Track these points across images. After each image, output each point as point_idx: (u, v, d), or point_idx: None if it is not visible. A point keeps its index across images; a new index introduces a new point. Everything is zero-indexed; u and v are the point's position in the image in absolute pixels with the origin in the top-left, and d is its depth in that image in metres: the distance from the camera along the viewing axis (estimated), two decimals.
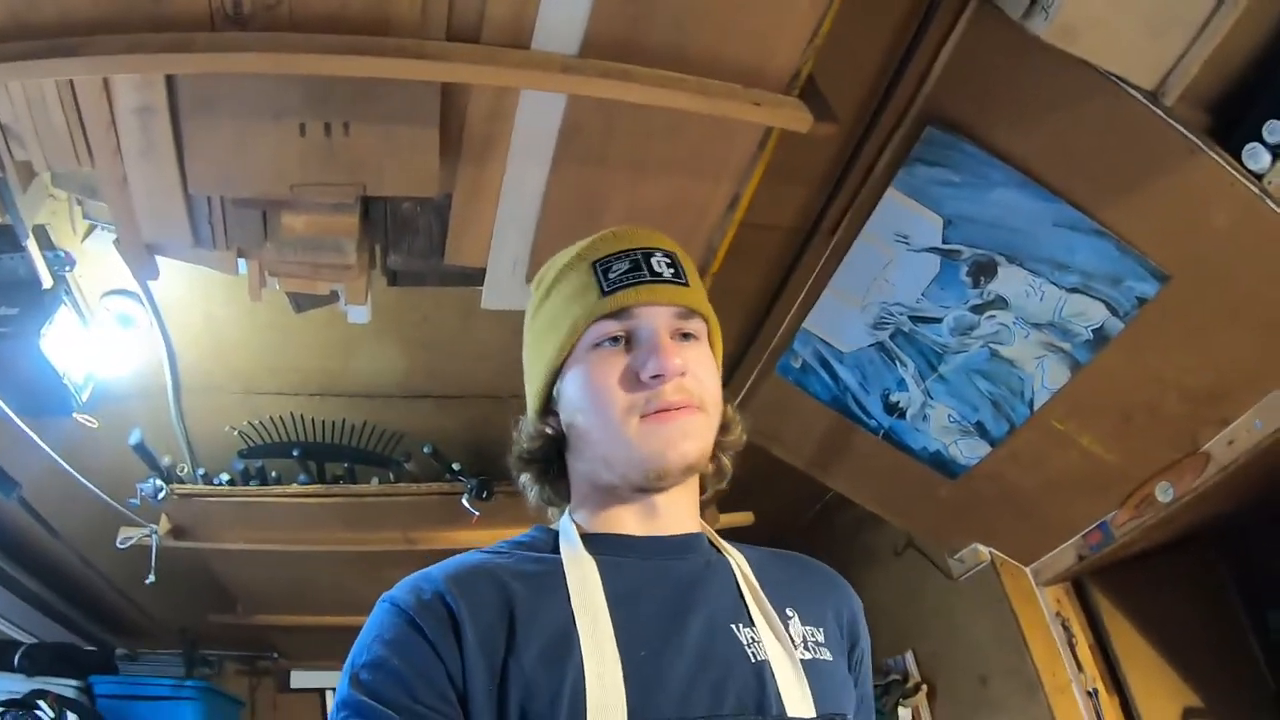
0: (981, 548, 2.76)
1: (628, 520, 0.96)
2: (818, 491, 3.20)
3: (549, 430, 1.01)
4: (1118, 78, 1.70)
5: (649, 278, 0.96)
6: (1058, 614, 2.59)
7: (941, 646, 3.05)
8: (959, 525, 2.75)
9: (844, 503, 3.07)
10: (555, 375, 0.99)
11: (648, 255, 0.97)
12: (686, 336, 0.96)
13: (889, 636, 3.20)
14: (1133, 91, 1.71)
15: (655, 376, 0.91)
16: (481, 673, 0.80)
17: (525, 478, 1.05)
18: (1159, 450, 2.12)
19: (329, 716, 0.82)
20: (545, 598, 0.86)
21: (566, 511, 1.01)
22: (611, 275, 0.96)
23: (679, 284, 0.97)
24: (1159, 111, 1.70)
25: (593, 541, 0.94)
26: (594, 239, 1.02)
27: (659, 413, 0.91)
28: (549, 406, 1.01)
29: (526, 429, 1.03)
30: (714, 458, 1.03)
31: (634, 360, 0.93)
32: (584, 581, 0.88)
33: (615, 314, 0.95)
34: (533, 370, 1.03)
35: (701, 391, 0.94)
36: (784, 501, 3.19)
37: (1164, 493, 2.13)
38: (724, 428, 1.03)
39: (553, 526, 1.00)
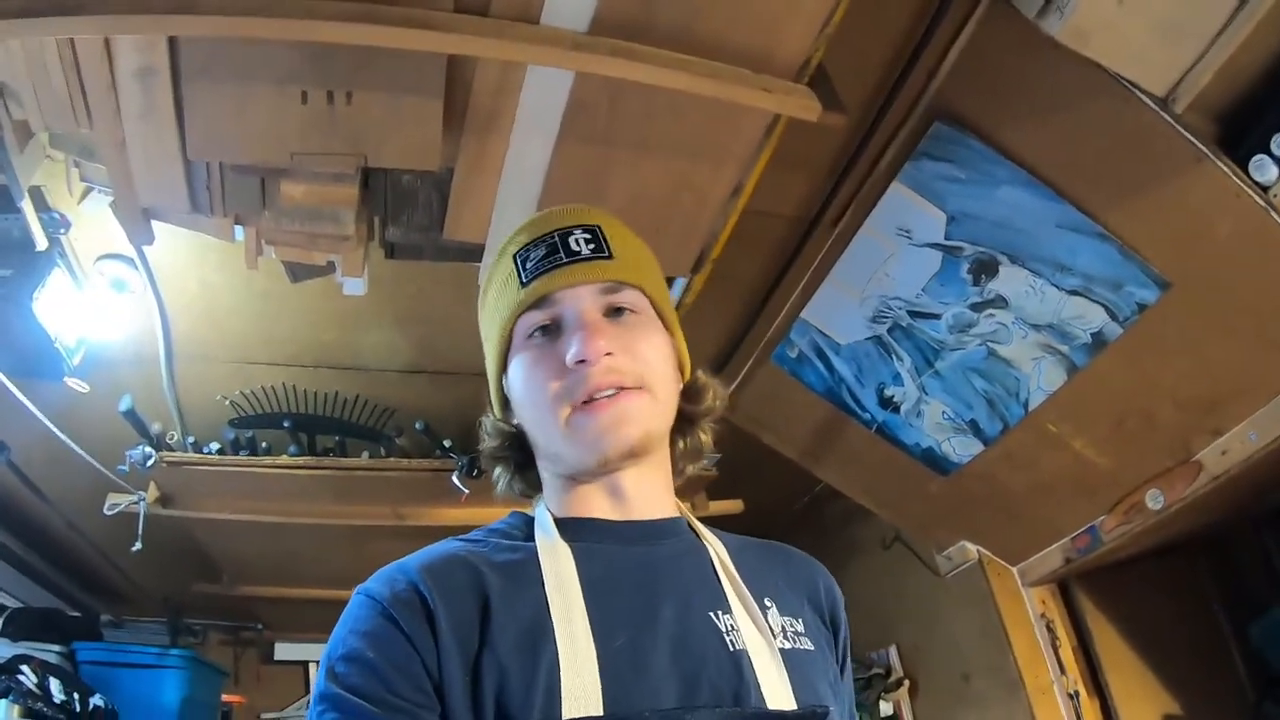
0: (969, 545, 2.77)
1: (600, 504, 0.95)
2: (808, 482, 3.21)
3: (508, 426, 1.00)
4: (1128, 82, 1.69)
5: (565, 259, 0.93)
6: (1042, 615, 2.60)
7: (925, 642, 3.07)
8: (948, 522, 2.76)
9: (834, 495, 3.08)
10: (502, 371, 0.98)
11: (565, 235, 0.95)
12: (620, 312, 0.94)
13: (873, 630, 3.21)
14: (1142, 97, 1.70)
15: (580, 362, 0.88)
16: (456, 663, 0.79)
17: (497, 471, 1.04)
18: (1151, 457, 2.12)
19: (309, 711, 0.81)
20: (520, 586, 0.85)
21: (541, 500, 1.00)
22: (529, 264, 0.94)
23: (600, 258, 0.94)
24: (1168, 118, 1.69)
25: (567, 527, 0.93)
26: (517, 229, 1.00)
27: (589, 403, 0.89)
28: (506, 402, 1.00)
29: (487, 426, 1.03)
30: (685, 432, 1.02)
31: (559, 347, 0.91)
32: (558, 569, 0.87)
33: (536, 304, 0.93)
34: (487, 368, 1.02)
35: (639, 368, 0.91)
36: (774, 491, 3.20)
37: (1154, 500, 2.13)
38: (693, 396, 1.01)
39: (529, 512, 0.99)
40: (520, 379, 0.94)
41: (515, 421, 0.99)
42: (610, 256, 0.95)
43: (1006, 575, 2.69)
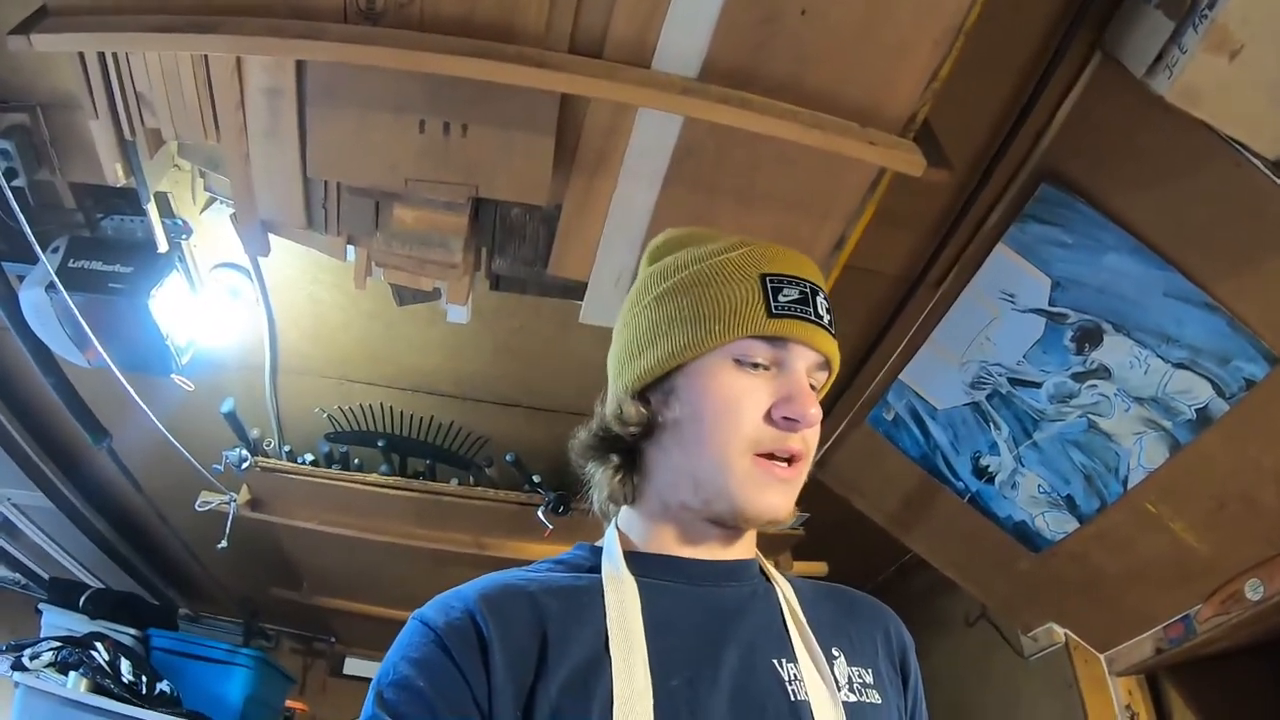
0: (1057, 628, 2.64)
1: (679, 542, 0.93)
2: (896, 551, 3.10)
3: (644, 411, 0.92)
4: (1239, 145, 1.63)
5: (814, 318, 0.90)
6: (1128, 706, 2.45)
7: None
8: (1036, 602, 2.63)
9: (920, 565, 2.96)
10: (673, 370, 0.91)
11: (815, 293, 0.91)
12: (811, 389, 0.92)
13: (951, 709, 3.08)
14: (1254, 160, 1.63)
15: (794, 421, 0.87)
16: (508, 697, 0.78)
17: (594, 465, 0.97)
18: (1252, 544, 2.01)
19: None
20: (580, 619, 0.84)
21: (614, 524, 0.97)
22: (782, 299, 0.89)
23: (831, 334, 0.92)
24: None
25: (636, 561, 0.91)
26: (759, 246, 0.94)
27: (774, 458, 0.87)
28: (649, 391, 0.93)
29: (615, 407, 0.94)
30: None
31: (776, 393, 0.88)
32: (622, 603, 0.85)
33: (773, 339, 0.89)
34: (648, 346, 0.93)
35: (812, 448, 0.91)
36: (860, 556, 3.11)
37: (1254, 590, 2.01)
38: None
39: (597, 544, 0.97)
40: (718, 395, 0.88)
41: (649, 425, 0.92)
42: (835, 338, 0.93)
43: (1094, 662, 2.55)
